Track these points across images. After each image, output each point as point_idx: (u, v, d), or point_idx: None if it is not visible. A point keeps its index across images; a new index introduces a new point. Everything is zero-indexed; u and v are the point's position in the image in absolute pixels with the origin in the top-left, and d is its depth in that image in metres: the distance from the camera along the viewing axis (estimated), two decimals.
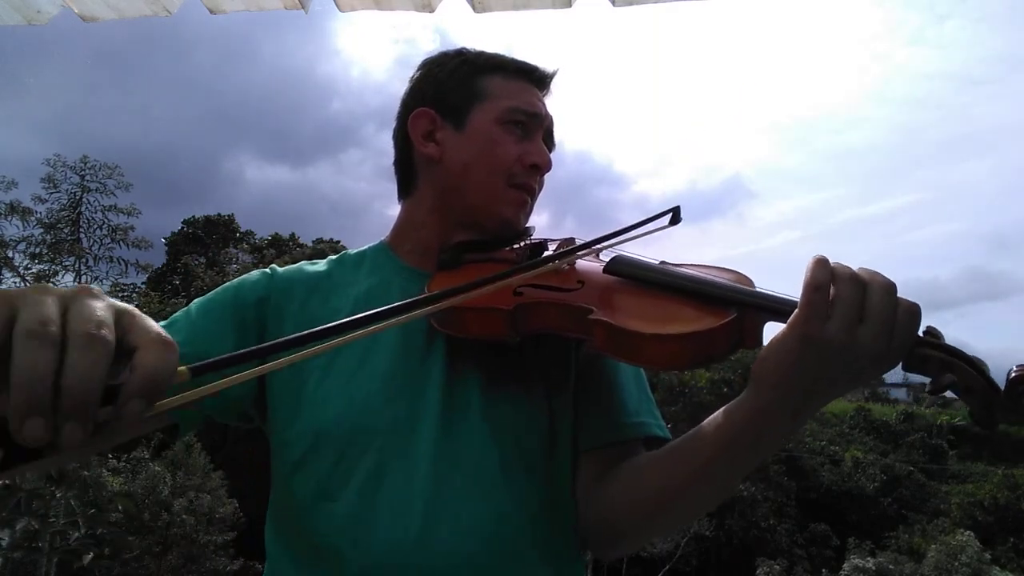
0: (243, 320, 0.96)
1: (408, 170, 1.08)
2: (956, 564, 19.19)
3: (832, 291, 0.69)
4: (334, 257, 1.10)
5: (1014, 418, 0.69)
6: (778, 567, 20.23)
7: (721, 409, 0.80)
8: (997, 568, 19.94)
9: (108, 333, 0.43)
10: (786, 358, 0.71)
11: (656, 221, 1.00)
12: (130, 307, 0.48)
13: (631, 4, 1.43)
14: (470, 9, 1.47)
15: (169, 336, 0.47)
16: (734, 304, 0.79)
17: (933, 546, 20.81)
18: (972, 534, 20.46)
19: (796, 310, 0.70)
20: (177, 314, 0.97)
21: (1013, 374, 0.68)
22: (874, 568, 19.81)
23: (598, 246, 0.94)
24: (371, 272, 1.04)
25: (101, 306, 0.45)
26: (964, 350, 0.70)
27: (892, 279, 0.70)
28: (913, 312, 0.69)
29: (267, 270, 1.04)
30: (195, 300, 1.00)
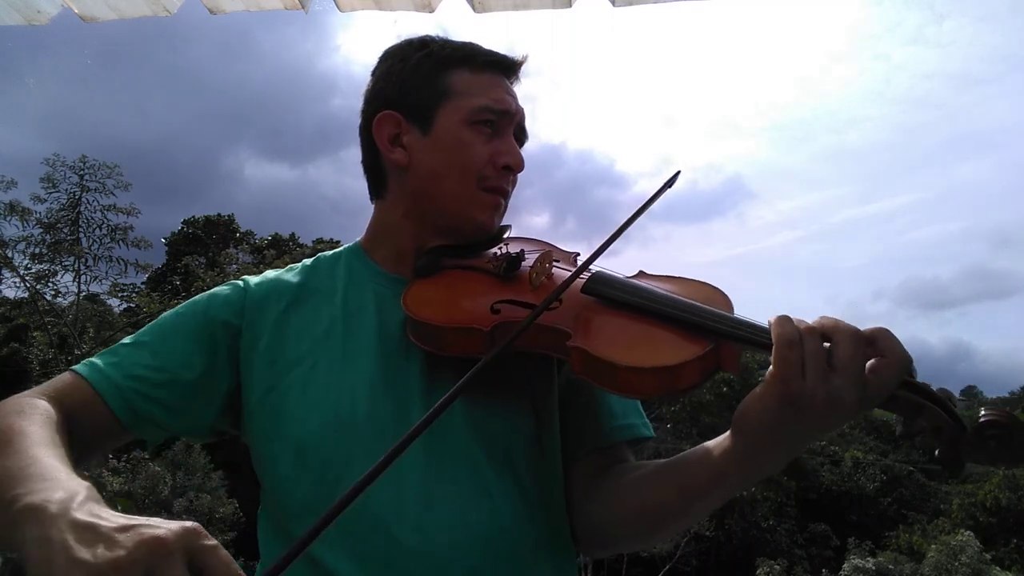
0: (213, 338, 0.94)
1: (377, 173, 1.04)
2: (956, 564, 19.18)
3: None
4: (308, 262, 1.07)
5: (980, 458, 0.69)
6: (778, 567, 20.21)
7: (709, 443, 0.81)
8: (997, 568, 19.93)
9: None
10: (766, 415, 0.72)
11: (659, 193, 0.95)
12: (202, 543, 0.52)
13: (631, 4, 1.43)
14: (470, 9, 1.47)
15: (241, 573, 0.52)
16: (713, 333, 0.77)
17: (933, 546, 20.79)
18: (972, 534, 20.45)
19: (771, 368, 0.70)
20: (147, 328, 0.96)
21: (983, 418, 0.68)
22: (874, 568, 19.80)
23: (604, 251, 0.90)
24: (347, 278, 1.02)
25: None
26: (932, 387, 0.70)
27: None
28: (903, 363, 0.68)
29: (239, 283, 1.01)
30: (165, 313, 0.98)
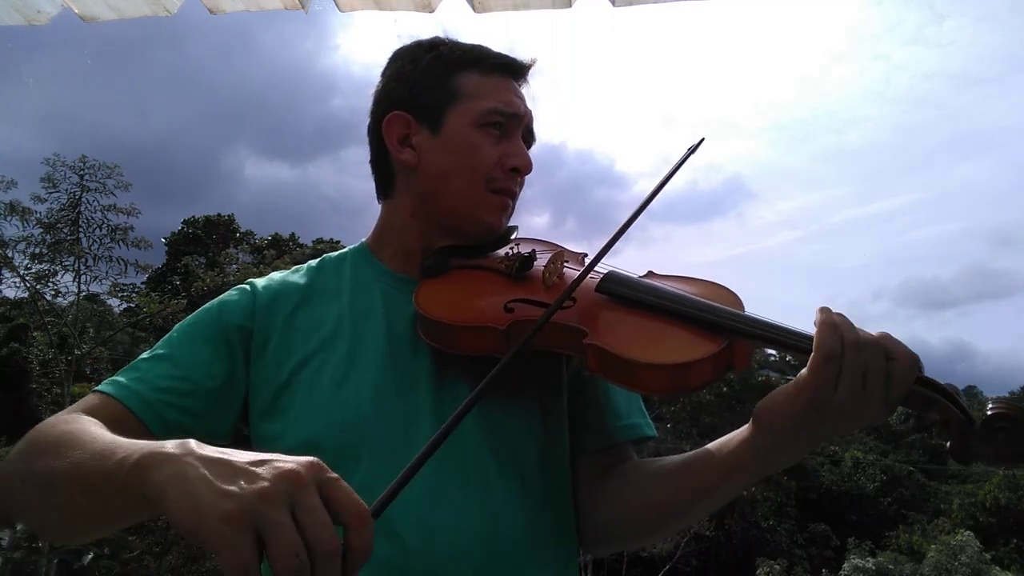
0: (229, 344, 0.94)
1: (385, 173, 1.05)
2: (956, 564, 19.17)
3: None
4: (314, 263, 1.08)
5: (989, 451, 0.71)
6: (778, 567, 20.21)
7: (724, 438, 0.83)
8: (997, 568, 19.92)
9: (334, 542, 0.52)
10: (791, 415, 0.74)
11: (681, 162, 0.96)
12: (328, 476, 0.55)
13: (631, 4, 1.42)
14: (470, 9, 1.47)
15: (364, 506, 0.55)
16: (726, 331, 0.79)
17: (933, 546, 20.79)
18: (972, 534, 20.44)
19: (806, 373, 0.72)
20: (162, 342, 0.95)
21: (992, 410, 0.70)
22: (874, 568, 19.80)
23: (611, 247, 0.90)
24: (353, 278, 1.02)
25: (316, 511, 0.52)
26: (939, 381, 0.73)
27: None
28: (912, 366, 0.72)
29: (246, 287, 1.01)
30: (177, 326, 0.98)
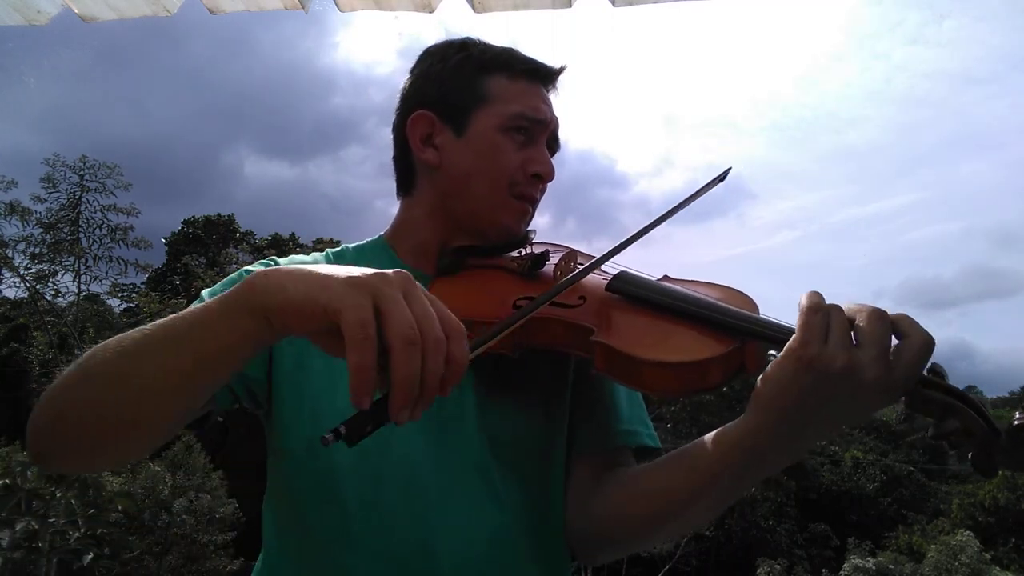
0: None
1: (407, 170, 1.06)
2: (956, 564, 19.16)
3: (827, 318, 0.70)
4: (334, 251, 1.08)
5: (1012, 462, 0.68)
6: (778, 567, 20.20)
7: (722, 427, 0.80)
8: (997, 568, 19.91)
9: (440, 332, 0.57)
10: (785, 383, 0.71)
11: (702, 190, 0.99)
12: (428, 294, 0.60)
13: (631, 4, 1.42)
14: (470, 9, 1.47)
15: (459, 322, 0.60)
16: (738, 332, 0.77)
17: (933, 546, 20.77)
18: (972, 534, 20.43)
19: (796, 332, 0.70)
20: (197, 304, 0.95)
21: (1017, 421, 0.67)
22: (874, 568, 19.78)
23: (619, 252, 0.90)
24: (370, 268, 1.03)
25: (426, 304, 0.58)
26: (965, 392, 0.70)
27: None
28: (926, 344, 0.68)
29: (269, 262, 1.02)
30: (206, 291, 0.97)
